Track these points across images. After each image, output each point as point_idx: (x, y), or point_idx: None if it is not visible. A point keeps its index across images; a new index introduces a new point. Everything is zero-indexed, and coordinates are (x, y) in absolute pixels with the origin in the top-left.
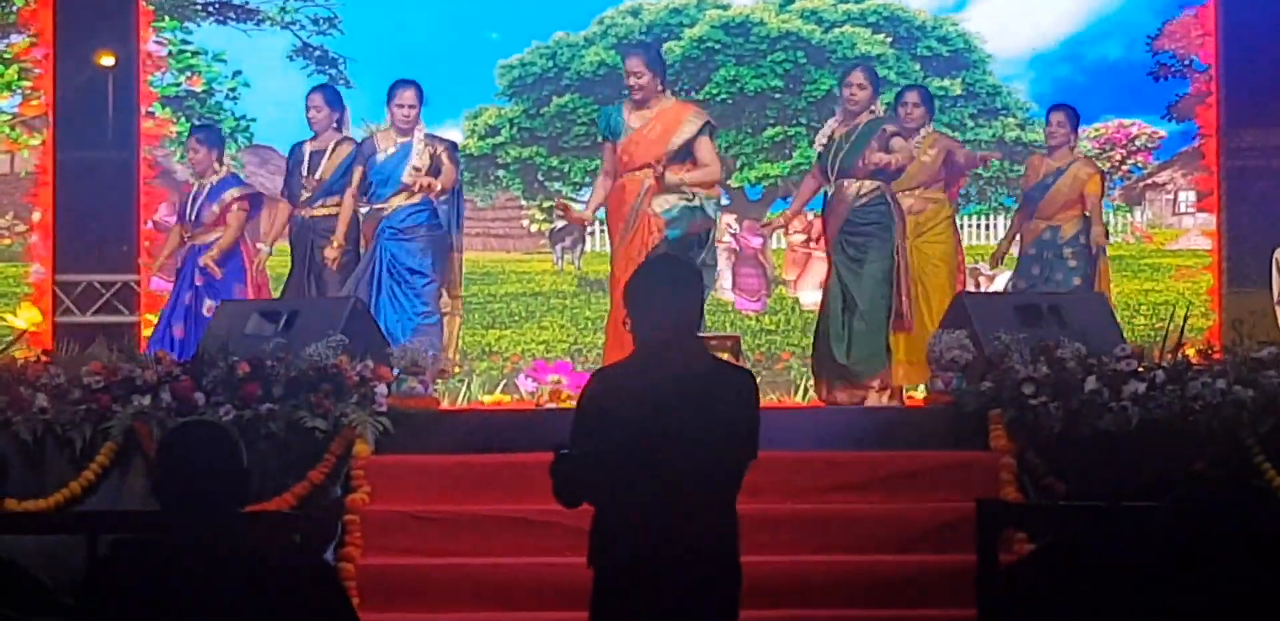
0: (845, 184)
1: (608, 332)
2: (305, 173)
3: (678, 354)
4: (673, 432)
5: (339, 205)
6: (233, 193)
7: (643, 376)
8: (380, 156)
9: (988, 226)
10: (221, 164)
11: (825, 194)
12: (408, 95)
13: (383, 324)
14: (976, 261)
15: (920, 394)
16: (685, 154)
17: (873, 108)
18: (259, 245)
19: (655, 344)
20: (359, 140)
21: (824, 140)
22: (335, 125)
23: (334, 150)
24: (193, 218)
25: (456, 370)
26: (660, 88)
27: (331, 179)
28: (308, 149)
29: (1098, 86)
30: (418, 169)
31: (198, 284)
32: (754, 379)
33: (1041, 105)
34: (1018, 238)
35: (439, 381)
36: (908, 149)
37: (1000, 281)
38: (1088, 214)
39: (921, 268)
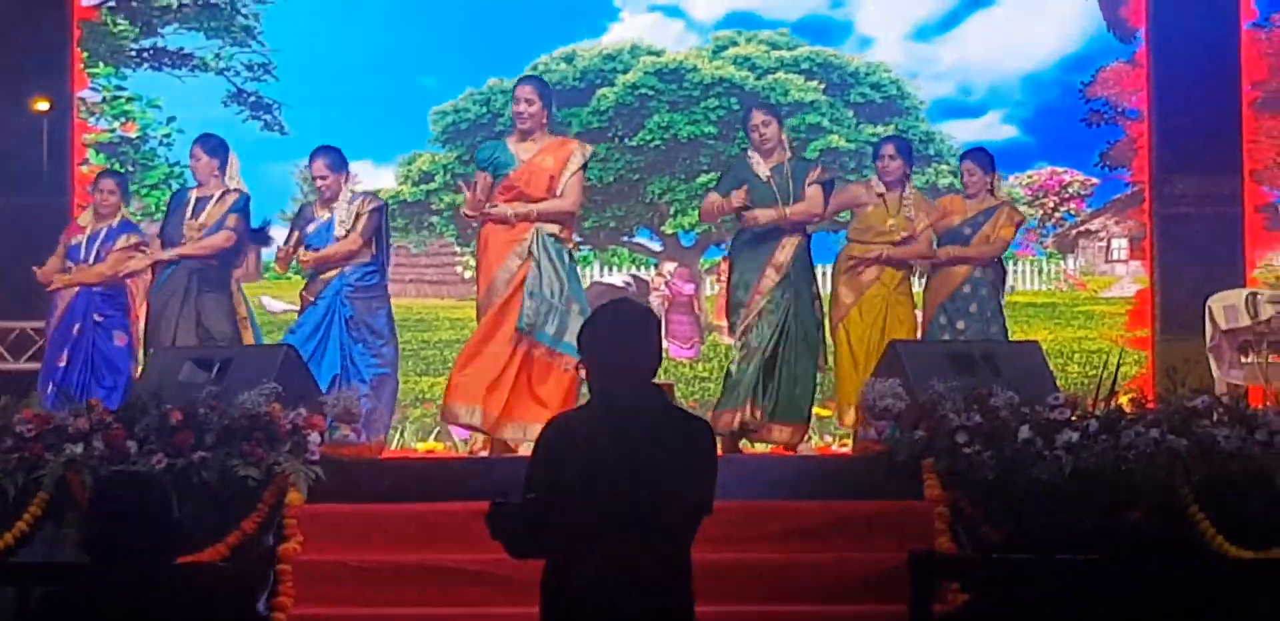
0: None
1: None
2: (189, 216)
3: (635, 402)
4: (630, 483)
5: None
6: (131, 237)
7: (601, 425)
8: (311, 227)
9: None
10: (125, 207)
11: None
12: (316, 166)
13: (327, 377)
14: None
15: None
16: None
17: (783, 141)
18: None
19: (613, 392)
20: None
21: (766, 174)
22: (218, 173)
23: (219, 198)
24: (90, 259)
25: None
26: (545, 121)
27: (215, 225)
28: (193, 195)
29: (1030, 134)
30: (345, 235)
31: (97, 320)
32: (710, 429)
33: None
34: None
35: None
36: (817, 199)
37: None
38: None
39: (896, 317)
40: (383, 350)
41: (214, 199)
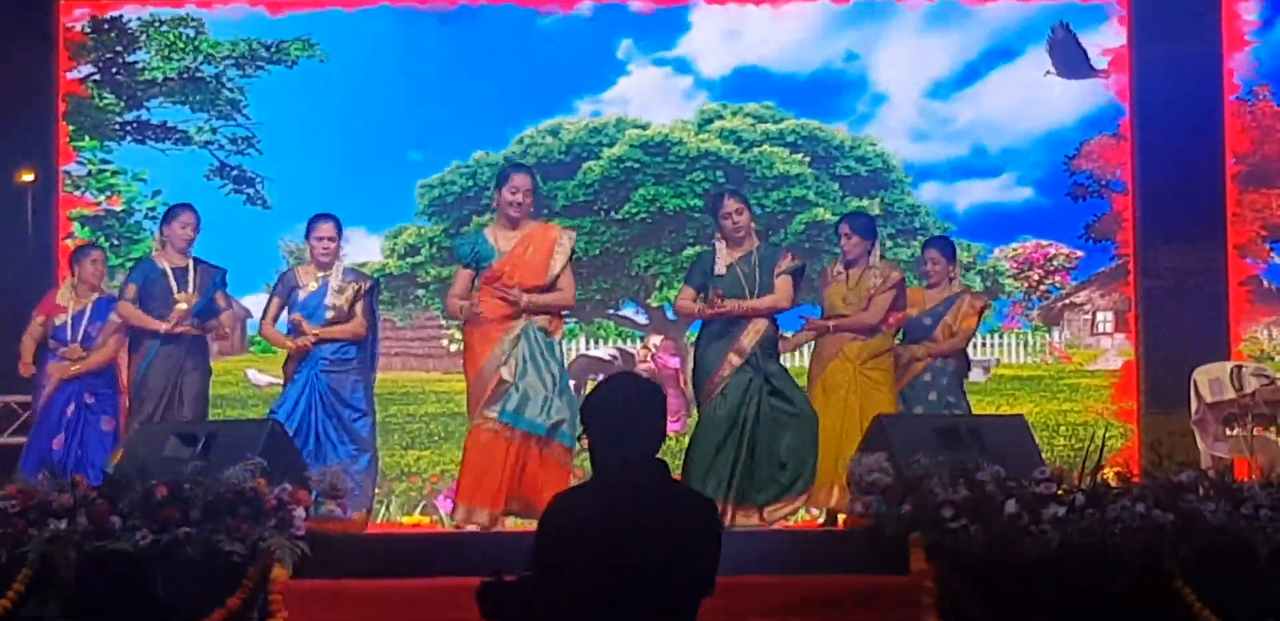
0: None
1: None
2: (175, 288)
3: (638, 478)
4: (633, 562)
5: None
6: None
7: (603, 502)
8: (302, 293)
9: None
10: (105, 284)
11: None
12: (326, 228)
13: (308, 455)
14: None
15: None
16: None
17: (751, 228)
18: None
19: (615, 468)
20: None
21: (723, 270)
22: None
23: (196, 269)
24: (78, 338)
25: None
26: (529, 210)
27: (201, 301)
28: (165, 266)
29: (1015, 206)
30: (335, 307)
31: (88, 401)
32: (714, 505)
33: (958, 224)
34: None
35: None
36: (785, 290)
37: None
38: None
39: (867, 393)
40: (355, 426)
41: (190, 270)
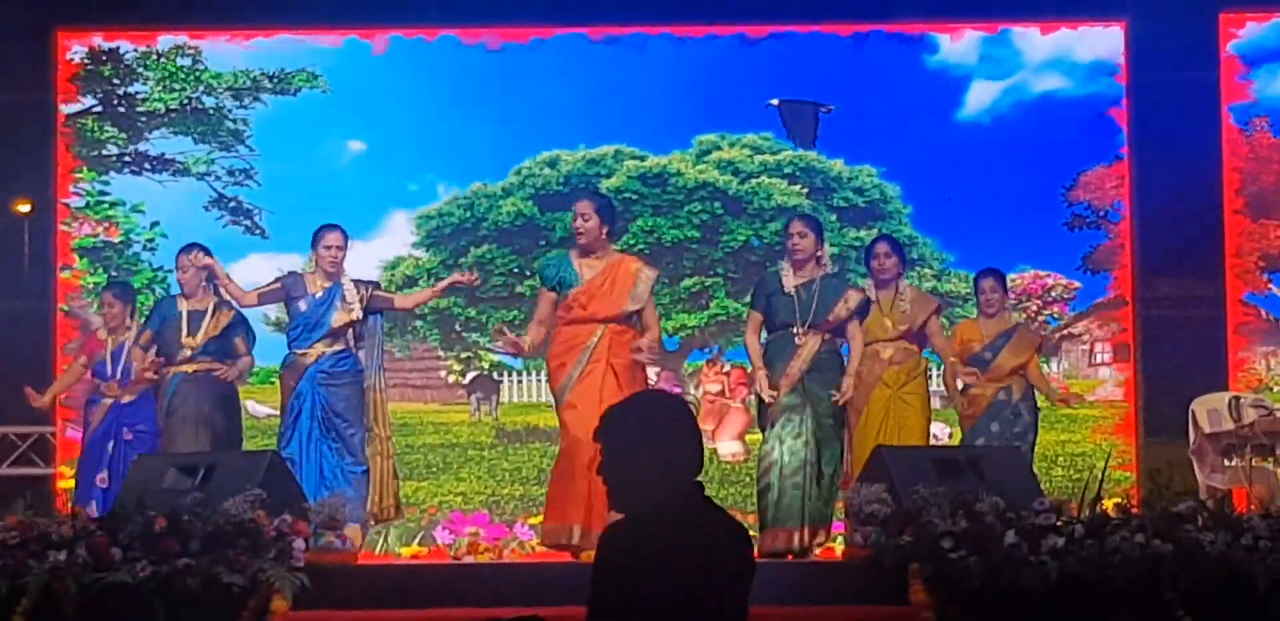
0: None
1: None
2: (185, 332)
3: (686, 505)
4: (689, 595)
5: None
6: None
7: (667, 536)
8: (303, 304)
9: None
10: (132, 319)
11: (776, 343)
12: (334, 237)
13: (310, 471)
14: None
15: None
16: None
17: (819, 254)
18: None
19: (657, 495)
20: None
21: (790, 289)
22: (206, 284)
23: (214, 313)
24: (117, 375)
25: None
26: (605, 237)
27: (211, 343)
28: (184, 308)
29: (1013, 237)
30: (350, 312)
31: (127, 439)
32: (748, 534)
33: (957, 254)
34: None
35: (373, 524)
36: (858, 337)
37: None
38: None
39: (901, 418)
40: (351, 438)
41: (208, 314)
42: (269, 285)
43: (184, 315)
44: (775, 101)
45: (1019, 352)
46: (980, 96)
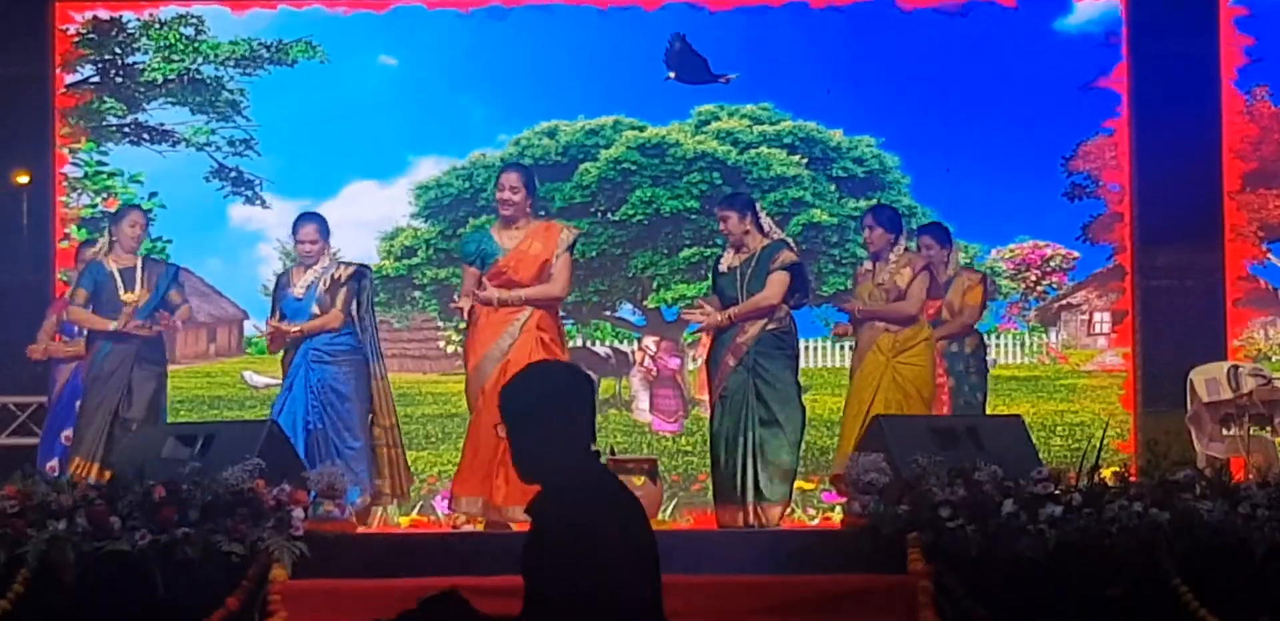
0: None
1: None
2: (122, 289)
3: (600, 472)
4: (627, 558)
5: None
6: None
7: (593, 501)
8: (289, 293)
9: None
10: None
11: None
12: (307, 231)
13: (302, 446)
14: None
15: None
16: None
17: (748, 230)
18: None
19: (580, 462)
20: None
21: (725, 270)
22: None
23: (144, 268)
24: (84, 332)
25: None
26: (528, 209)
27: (153, 299)
28: (113, 266)
29: (1012, 207)
30: (322, 303)
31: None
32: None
33: (956, 225)
34: None
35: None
36: (775, 284)
37: None
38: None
39: (901, 387)
40: (346, 414)
41: (138, 270)
42: (273, 306)
43: (115, 274)
44: (672, 74)
45: (961, 295)
46: (980, 66)
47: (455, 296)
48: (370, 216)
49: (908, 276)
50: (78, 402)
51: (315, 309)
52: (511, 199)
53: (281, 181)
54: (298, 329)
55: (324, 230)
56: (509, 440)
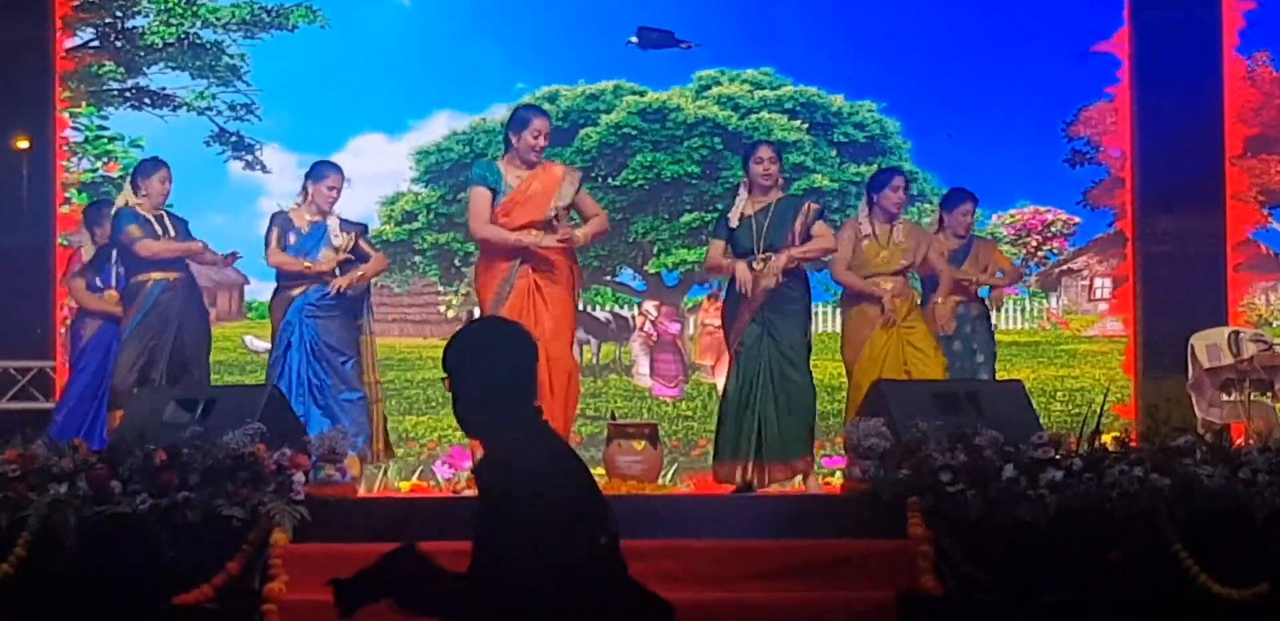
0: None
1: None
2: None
3: (549, 431)
4: (576, 517)
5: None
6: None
7: (541, 460)
8: (293, 236)
9: None
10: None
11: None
12: (335, 178)
13: (303, 405)
14: None
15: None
16: (568, 212)
17: (779, 180)
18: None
19: (524, 420)
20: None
21: (737, 221)
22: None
23: (170, 217)
24: (111, 282)
25: (379, 460)
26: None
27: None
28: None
29: (1013, 173)
30: (336, 250)
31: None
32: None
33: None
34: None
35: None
36: (828, 234)
37: None
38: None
39: (904, 353)
40: (343, 368)
41: (165, 218)
42: (272, 236)
43: (150, 219)
44: (634, 39)
45: (989, 261)
46: (980, 31)
47: (471, 229)
48: (379, 170)
49: (922, 250)
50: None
51: (323, 255)
52: (538, 145)
53: (287, 136)
54: (360, 274)
55: (343, 180)
56: (452, 396)
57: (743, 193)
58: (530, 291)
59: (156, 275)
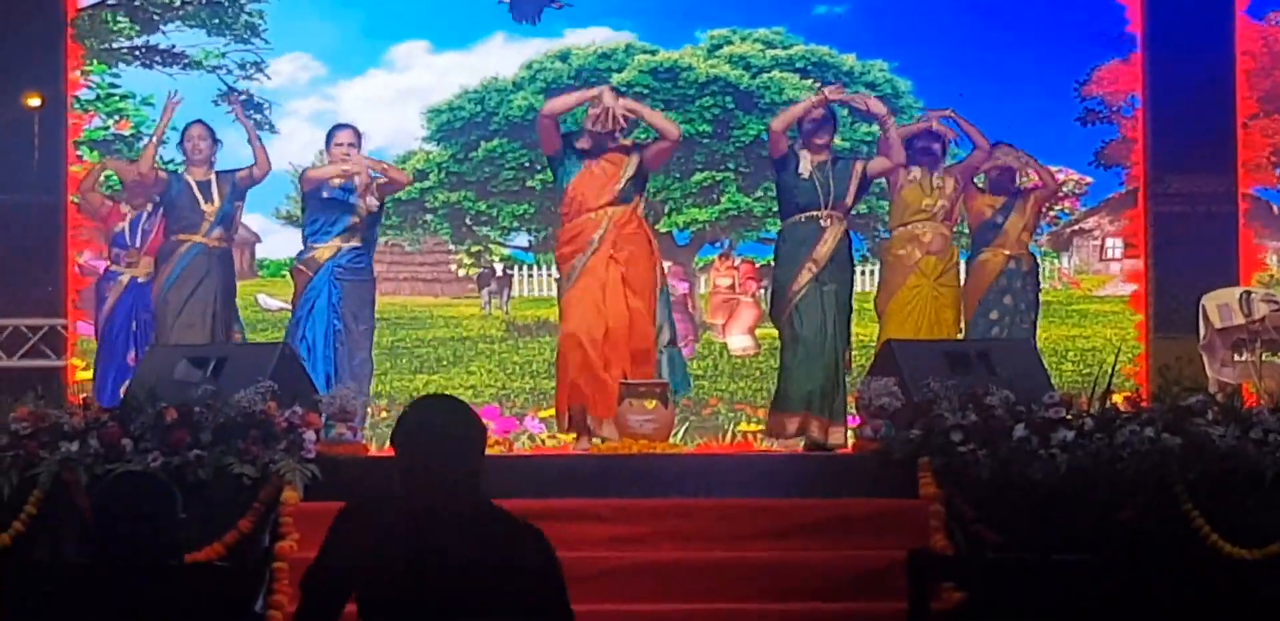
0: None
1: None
2: (202, 200)
3: (457, 499)
4: (449, 595)
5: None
6: None
7: (415, 520)
8: (327, 189)
9: None
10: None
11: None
12: (346, 134)
13: (319, 366)
14: None
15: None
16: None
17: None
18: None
19: (433, 487)
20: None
21: (806, 174)
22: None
23: (218, 182)
24: (137, 243)
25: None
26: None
27: (225, 208)
28: (191, 178)
29: (1025, 132)
30: (369, 202)
31: (144, 317)
32: (543, 535)
33: (968, 149)
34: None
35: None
36: (881, 160)
37: None
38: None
39: (937, 313)
40: (361, 334)
41: (213, 184)
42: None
43: (193, 185)
44: None
45: (1026, 214)
46: None
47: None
48: (420, 83)
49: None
50: (132, 324)
51: (361, 205)
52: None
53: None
54: (384, 166)
55: (358, 136)
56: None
57: (803, 152)
58: (607, 264)
59: (195, 237)
